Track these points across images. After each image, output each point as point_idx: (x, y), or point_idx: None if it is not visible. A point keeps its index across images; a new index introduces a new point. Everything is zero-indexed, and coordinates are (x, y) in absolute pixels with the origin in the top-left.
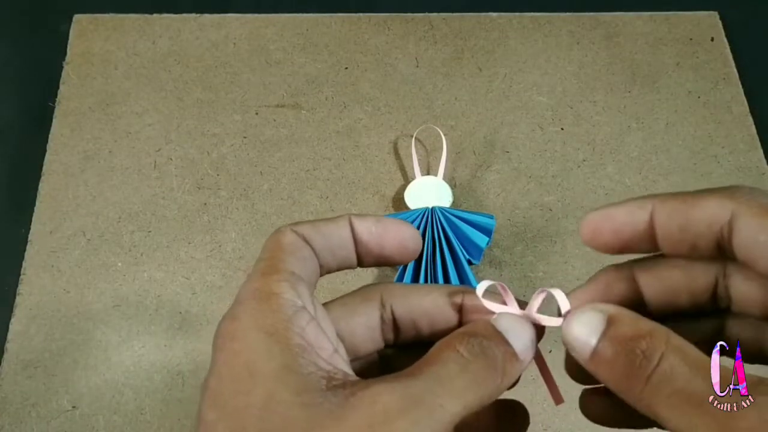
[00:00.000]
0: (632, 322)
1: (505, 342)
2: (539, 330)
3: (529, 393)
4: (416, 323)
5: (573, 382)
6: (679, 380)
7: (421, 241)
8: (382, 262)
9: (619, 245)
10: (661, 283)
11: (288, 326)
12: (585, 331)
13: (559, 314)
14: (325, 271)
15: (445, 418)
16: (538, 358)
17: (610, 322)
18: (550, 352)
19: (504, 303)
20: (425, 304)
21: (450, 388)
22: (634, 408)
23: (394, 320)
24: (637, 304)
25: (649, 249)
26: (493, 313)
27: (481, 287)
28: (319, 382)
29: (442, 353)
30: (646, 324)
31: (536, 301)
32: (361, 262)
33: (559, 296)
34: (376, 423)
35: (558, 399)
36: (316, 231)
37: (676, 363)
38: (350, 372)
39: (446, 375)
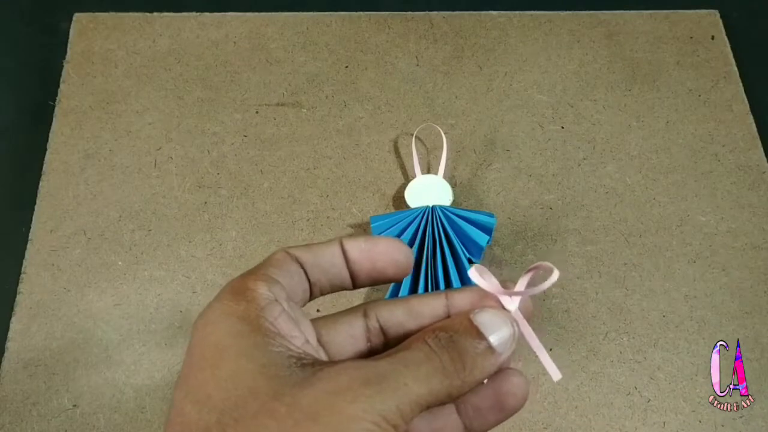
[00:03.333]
0: None
1: (480, 336)
2: (527, 310)
3: (530, 391)
4: (405, 328)
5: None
6: None
7: (413, 255)
8: (375, 277)
9: None
10: None
11: (260, 314)
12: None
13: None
14: (318, 290)
15: (410, 397)
16: (531, 337)
17: None
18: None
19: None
20: (411, 307)
21: (415, 372)
22: None
23: (382, 329)
24: None
25: None
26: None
27: (473, 271)
28: (288, 360)
29: (412, 343)
30: None
31: (523, 281)
32: (356, 282)
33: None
34: (340, 391)
35: (555, 374)
36: (306, 250)
37: None
38: (323, 359)
39: (412, 360)
